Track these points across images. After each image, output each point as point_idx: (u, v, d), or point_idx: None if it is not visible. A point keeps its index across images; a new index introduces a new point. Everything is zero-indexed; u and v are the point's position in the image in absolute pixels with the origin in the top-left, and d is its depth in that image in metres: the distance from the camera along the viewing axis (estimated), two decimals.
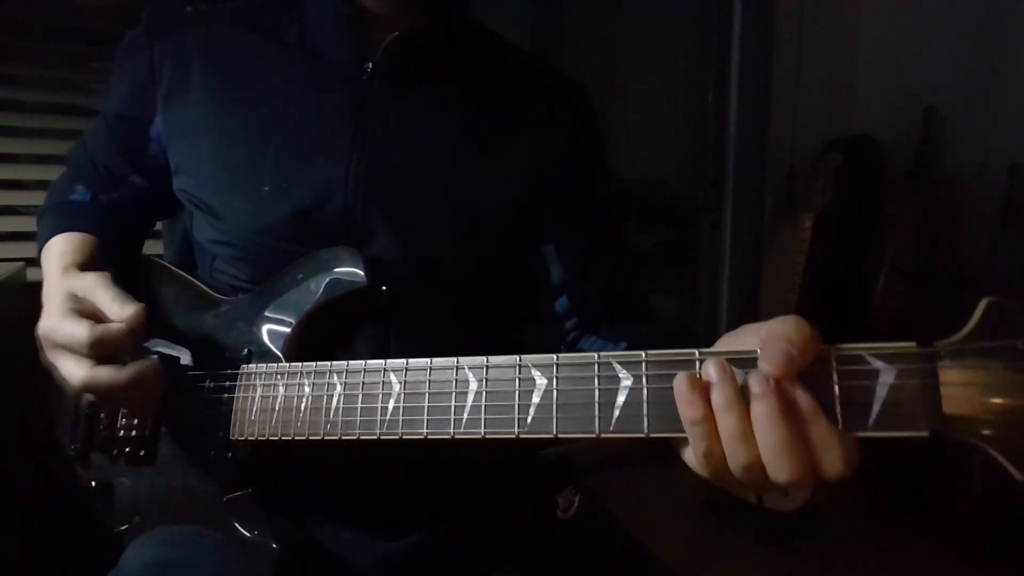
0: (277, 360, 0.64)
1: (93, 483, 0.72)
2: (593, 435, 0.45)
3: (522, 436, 0.47)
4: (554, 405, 0.47)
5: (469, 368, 0.50)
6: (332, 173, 0.67)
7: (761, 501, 1.80)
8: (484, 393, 0.49)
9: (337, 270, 0.64)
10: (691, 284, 2.52)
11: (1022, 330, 0.36)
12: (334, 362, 0.58)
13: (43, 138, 1.57)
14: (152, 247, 0.87)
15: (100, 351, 0.59)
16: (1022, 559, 1.69)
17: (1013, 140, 2.08)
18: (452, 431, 0.50)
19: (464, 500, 0.75)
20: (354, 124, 0.68)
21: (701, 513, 2.00)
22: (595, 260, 0.76)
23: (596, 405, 0.45)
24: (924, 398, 0.38)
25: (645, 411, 0.44)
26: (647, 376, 0.44)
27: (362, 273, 0.63)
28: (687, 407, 0.41)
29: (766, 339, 0.40)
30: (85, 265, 0.68)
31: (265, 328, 0.66)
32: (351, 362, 0.57)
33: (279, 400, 0.61)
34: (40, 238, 0.76)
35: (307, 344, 0.65)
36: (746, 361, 0.42)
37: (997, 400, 0.36)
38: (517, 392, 0.48)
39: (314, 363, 0.60)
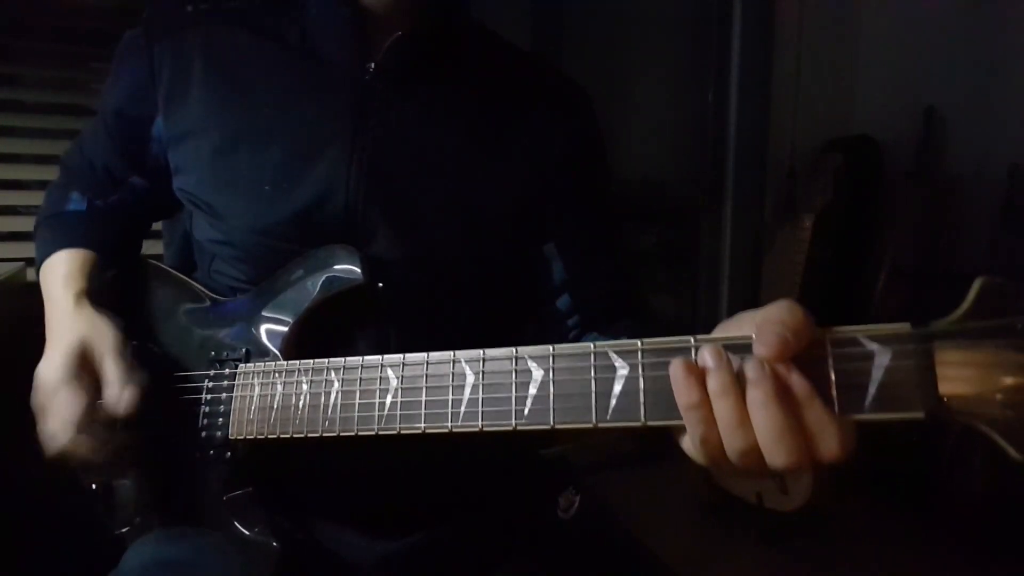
0: (276, 359, 0.64)
1: (94, 485, 0.72)
2: (590, 425, 0.45)
3: (520, 428, 0.47)
4: (551, 396, 0.47)
5: (466, 361, 0.51)
6: (333, 173, 0.67)
7: (761, 501, 1.79)
8: (481, 386, 0.49)
9: (334, 268, 0.64)
10: (691, 284, 2.52)
11: (1017, 309, 0.36)
12: (331, 359, 0.58)
13: (43, 138, 1.57)
14: (152, 247, 0.87)
15: (87, 428, 0.62)
16: (1022, 558, 1.69)
17: (1013, 140, 2.08)
18: (450, 424, 0.50)
19: (464, 500, 0.75)
20: (355, 124, 0.68)
21: (701, 513, 2.00)
22: (596, 259, 0.76)
23: (593, 395, 0.45)
24: (920, 379, 0.38)
25: (642, 399, 0.44)
26: (643, 365, 0.44)
27: (359, 270, 0.63)
28: (683, 393, 0.42)
29: (761, 323, 0.40)
30: (93, 293, 0.70)
31: (263, 327, 0.66)
32: (348, 358, 0.57)
33: (277, 398, 0.61)
34: (38, 253, 0.76)
35: (306, 343, 0.65)
36: (742, 347, 0.42)
37: (994, 380, 0.36)
38: (514, 384, 0.48)
39: (311, 360, 0.60)
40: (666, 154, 2.47)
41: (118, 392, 0.62)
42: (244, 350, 0.66)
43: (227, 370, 0.66)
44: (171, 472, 0.68)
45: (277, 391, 0.61)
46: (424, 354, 0.53)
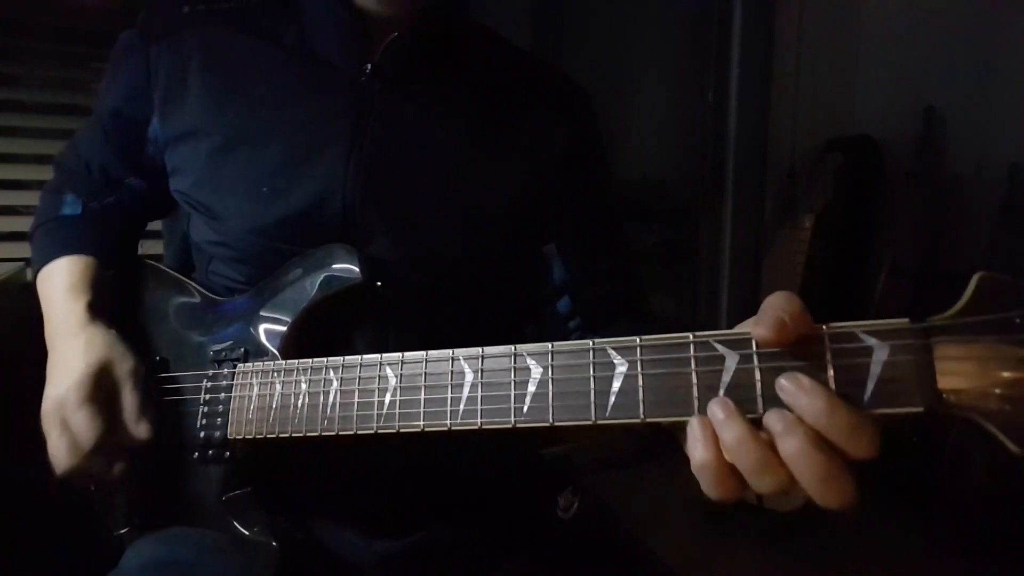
0: (274, 359, 0.64)
1: (93, 485, 0.72)
2: (589, 422, 0.45)
3: (519, 425, 0.47)
4: (550, 393, 0.47)
5: (465, 359, 0.50)
6: (331, 174, 0.67)
7: (761, 501, 1.79)
8: (480, 384, 0.49)
9: (332, 267, 0.64)
10: (691, 284, 2.52)
11: (1015, 304, 0.36)
12: (330, 358, 0.58)
13: (43, 138, 1.57)
14: (153, 247, 0.87)
15: (100, 452, 0.63)
16: (1022, 558, 1.69)
17: (1013, 140, 2.08)
18: (449, 422, 0.50)
19: (464, 500, 0.75)
20: (353, 125, 0.68)
21: (701, 513, 2.00)
22: (597, 260, 0.76)
23: (592, 392, 0.45)
24: (919, 374, 0.38)
25: (641, 396, 0.44)
26: (642, 362, 0.44)
27: (357, 270, 0.63)
28: (699, 450, 0.41)
29: (761, 310, 0.41)
30: (98, 305, 0.70)
31: (262, 327, 0.66)
32: (347, 357, 0.57)
33: (276, 398, 0.61)
34: (35, 259, 0.76)
35: (304, 342, 0.65)
36: (739, 342, 0.42)
37: (993, 374, 0.36)
38: (513, 382, 0.48)
39: (310, 360, 0.60)
40: (666, 154, 2.47)
41: (135, 422, 0.64)
42: (243, 350, 0.66)
43: (226, 370, 0.66)
44: (170, 472, 0.68)
45: (276, 391, 0.61)
46: (423, 352, 0.53)
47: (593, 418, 0.45)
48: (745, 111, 2.40)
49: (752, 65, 2.39)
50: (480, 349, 0.50)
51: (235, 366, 0.65)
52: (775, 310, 0.40)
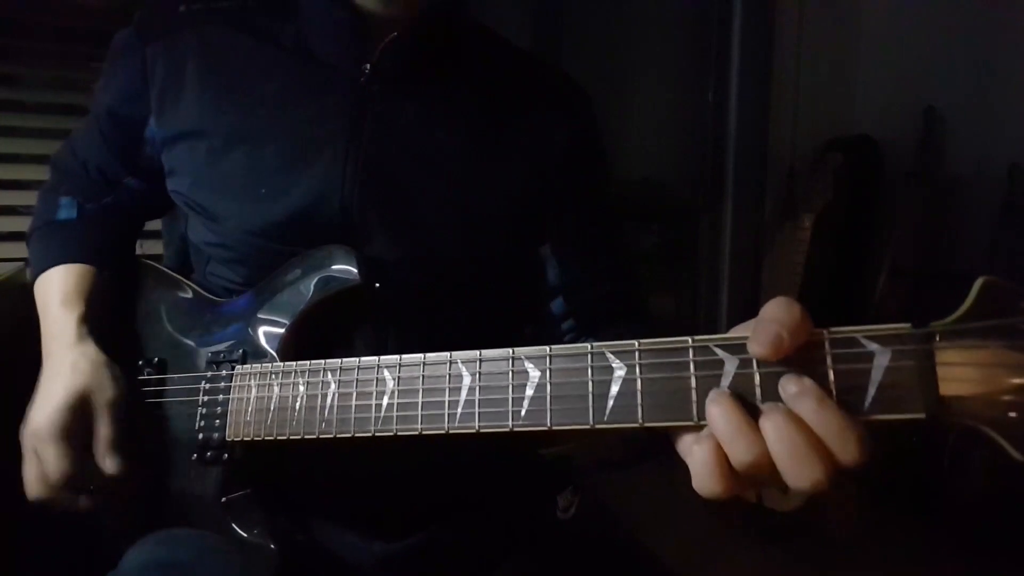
0: (272, 361, 0.64)
1: (92, 487, 0.72)
2: (587, 426, 0.45)
3: (516, 429, 0.47)
4: (548, 397, 0.46)
5: (462, 362, 0.50)
6: (329, 175, 0.67)
7: (761, 500, 1.79)
8: (478, 387, 0.49)
9: (331, 268, 0.64)
10: (691, 284, 2.52)
11: (1018, 309, 0.35)
12: (328, 360, 0.58)
13: (43, 138, 1.57)
14: (153, 248, 0.87)
15: (68, 484, 0.63)
16: (1022, 559, 1.69)
17: (1013, 140, 2.08)
18: (446, 425, 0.50)
19: (464, 501, 0.75)
20: (351, 125, 0.67)
21: (701, 513, 2.00)
22: (593, 261, 0.76)
23: (590, 396, 0.45)
24: (920, 380, 0.37)
25: (639, 401, 0.44)
26: (640, 366, 0.44)
27: (355, 271, 0.63)
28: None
29: (757, 321, 0.40)
30: (93, 317, 0.70)
31: (260, 329, 0.66)
32: (345, 359, 0.57)
33: (274, 400, 0.61)
34: (33, 265, 0.76)
35: (302, 344, 0.65)
36: (739, 346, 0.41)
37: (996, 381, 0.36)
38: (511, 385, 0.48)
39: (308, 362, 0.60)
40: (666, 154, 2.47)
41: (104, 456, 0.64)
42: (241, 351, 0.66)
43: (224, 371, 0.66)
44: (169, 474, 0.68)
45: (274, 392, 0.61)
46: (420, 355, 0.53)
47: (591, 422, 0.45)
48: (745, 111, 2.40)
49: (752, 65, 2.39)
50: (478, 352, 0.50)
51: (233, 368, 0.65)
52: (773, 324, 0.39)
